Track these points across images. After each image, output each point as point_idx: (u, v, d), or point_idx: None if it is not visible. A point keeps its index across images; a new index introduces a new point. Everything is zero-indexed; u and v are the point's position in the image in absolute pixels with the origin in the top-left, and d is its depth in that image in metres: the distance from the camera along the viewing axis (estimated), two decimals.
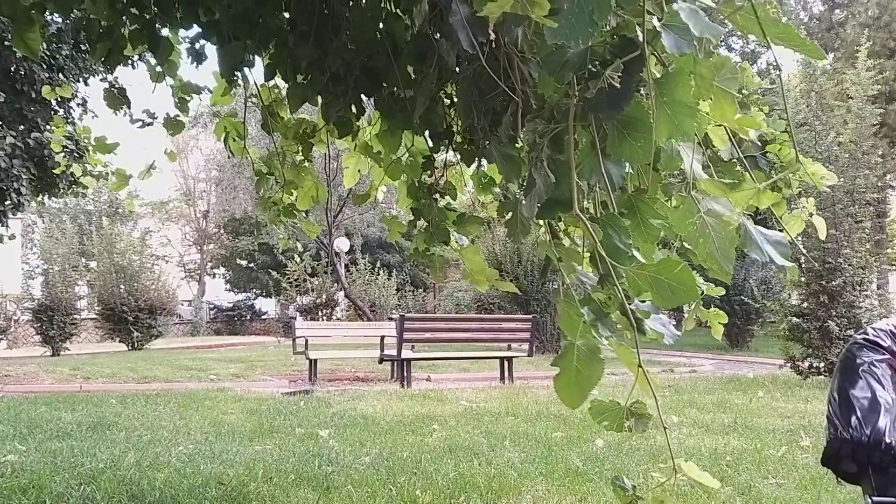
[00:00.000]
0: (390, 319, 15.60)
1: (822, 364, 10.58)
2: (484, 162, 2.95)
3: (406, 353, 11.00)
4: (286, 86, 3.20)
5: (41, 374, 12.40)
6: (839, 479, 1.57)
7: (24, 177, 11.56)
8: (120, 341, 20.68)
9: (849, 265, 10.52)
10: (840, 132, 11.31)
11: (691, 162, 1.68)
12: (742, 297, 17.06)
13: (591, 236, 1.49)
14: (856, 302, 10.61)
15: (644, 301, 1.66)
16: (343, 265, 25.33)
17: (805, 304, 10.99)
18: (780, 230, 1.88)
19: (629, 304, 1.55)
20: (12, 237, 14.85)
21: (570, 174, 1.52)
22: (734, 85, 1.58)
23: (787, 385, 10.35)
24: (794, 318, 10.99)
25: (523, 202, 1.70)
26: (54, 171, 10.81)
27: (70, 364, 13.86)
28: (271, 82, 3.45)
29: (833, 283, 10.51)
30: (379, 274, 24.60)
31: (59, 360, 16.07)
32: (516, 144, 2.33)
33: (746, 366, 14.53)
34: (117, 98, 3.73)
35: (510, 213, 1.80)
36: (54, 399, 8.69)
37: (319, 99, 3.04)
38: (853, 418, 1.50)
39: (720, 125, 2.18)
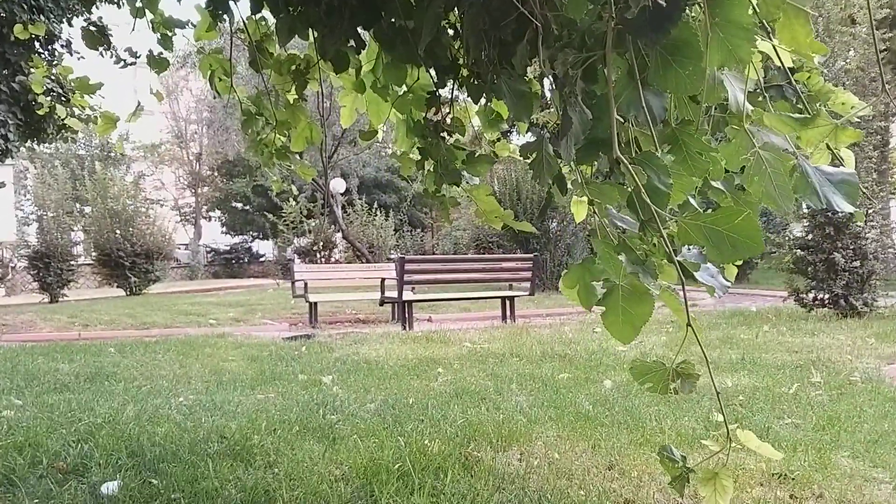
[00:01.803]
0: (389, 260, 15.47)
1: (826, 296, 10.49)
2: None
3: (407, 295, 10.89)
4: (274, 21, 2.95)
5: (39, 322, 12.29)
6: None
7: (10, 122, 11.24)
8: (118, 287, 20.59)
9: None
10: (847, 59, 11.02)
11: (739, 93, 1.47)
12: None
13: (633, 180, 1.29)
14: (862, 233, 10.44)
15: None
16: (340, 206, 25.07)
17: (810, 237, 10.83)
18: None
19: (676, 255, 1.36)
20: (2, 185, 14.61)
21: (610, 110, 1.32)
22: (808, 1, 1.36)
23: (791, 318, 10.27)
24: (799, 251, 10.84)
25: (560, 143, 1.49)
26: (38, 112, 10.48)
27: (68, 311, 13.75)
28: (258, 15, 3.20)
29: (839, 213, 10.31)
30: (376, 214, 24.35)
31: (57, 307, 15.95)
32: (526, 78, 2.12)
33: (748, 299, 14.47)
34: (95, 37, 3.49)
35: (535, 154, 1.60)
36: (52, 349, 8.57)
37: (311, 33, 2.80)
38: None
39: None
